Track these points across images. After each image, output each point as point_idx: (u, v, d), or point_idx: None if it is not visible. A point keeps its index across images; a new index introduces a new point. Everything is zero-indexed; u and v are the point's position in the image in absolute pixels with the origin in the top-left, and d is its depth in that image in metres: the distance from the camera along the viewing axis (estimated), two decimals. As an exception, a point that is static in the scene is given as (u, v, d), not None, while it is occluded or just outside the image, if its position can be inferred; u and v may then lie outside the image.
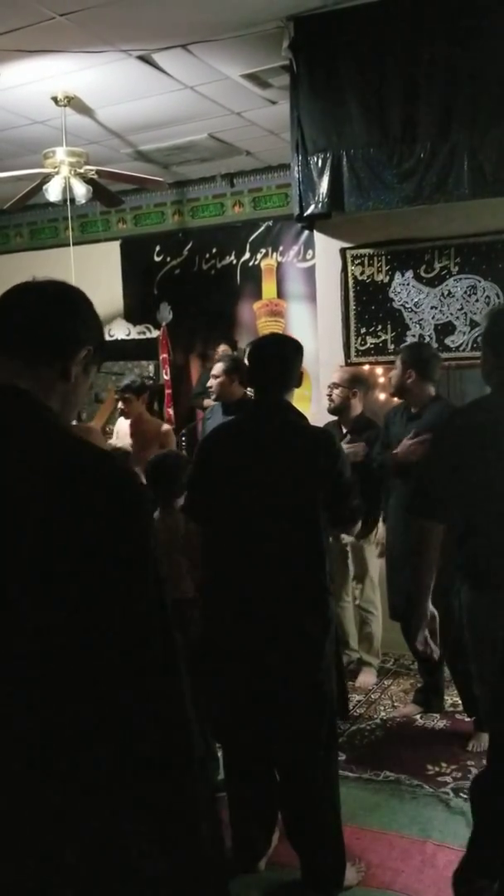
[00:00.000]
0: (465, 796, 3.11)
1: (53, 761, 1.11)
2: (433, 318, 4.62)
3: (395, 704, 4.03)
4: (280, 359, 2.60)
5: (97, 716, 1.13)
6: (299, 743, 2.46)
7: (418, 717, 3.87)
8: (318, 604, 2.46)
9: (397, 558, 3.75)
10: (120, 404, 4.84)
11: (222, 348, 6.40)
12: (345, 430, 4.20)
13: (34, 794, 1.11)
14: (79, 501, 1.15)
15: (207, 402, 6.11)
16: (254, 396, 2.75)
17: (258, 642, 2.43)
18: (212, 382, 4.65)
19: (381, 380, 4.85)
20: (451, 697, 3.97)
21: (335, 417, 4.28)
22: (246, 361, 5.04)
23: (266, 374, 2.60)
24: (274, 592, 2.42)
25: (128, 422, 4.86)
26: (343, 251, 4.78)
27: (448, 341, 4.54)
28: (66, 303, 1.35)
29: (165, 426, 4.97)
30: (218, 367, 4.66)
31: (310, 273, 6.10)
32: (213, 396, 4.69)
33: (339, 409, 4.19)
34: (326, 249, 4.86)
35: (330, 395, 4.20)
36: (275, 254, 6.73)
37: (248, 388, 5.10)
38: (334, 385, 4.18)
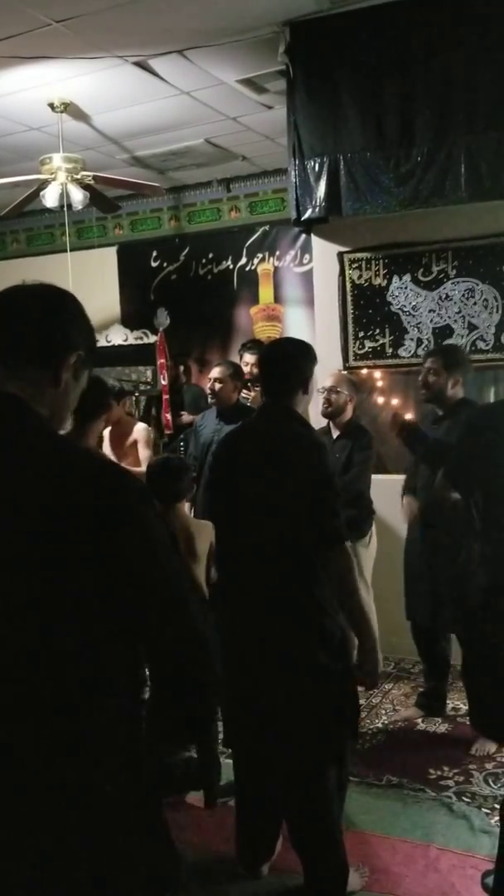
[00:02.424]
0: (468, 800, 3.12)
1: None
2: (431, 321, 4.62)
3: (397, 708, 4.02)
4: (288, 364, 2.53)
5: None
6: (302, 759, 2.41)
7: (420, 721, 3.86)
8: (311, 620, 2.35)
9: (415, 565, 3.79)
10: None
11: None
12: (336, 435, 4.17)
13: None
14: (70, 498, 1.17)
15: (188, 417, 6.06)
16: (262, 401, 2.68)
17: (255, 655, 2.40)
18: (215, 386, 4.60)
19: (380, 384, 4.84)
20: (453, 701, 3.96)
21: (326, 421, 4.25)
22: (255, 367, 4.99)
23: (273, 380, 2.54)
24: (264, 608, 2.37)
25: (108, 429, 4.62)
26: (341, 255, 4.78)
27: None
28: (55, 307, 1.34)
29: (139, 424, 4.78)
30: (221, 371, 4.59)
31: (306, 277, 6.11)
32: (213, 400, 4.64)
33: (336, 413, 4.17)
34: (324, 253, 4.86)
35: (328, 399, 4.15)
36: (271, 258, 6.73)
37: (244, 393, 5.12)
38: (332, 389, 4.15)
